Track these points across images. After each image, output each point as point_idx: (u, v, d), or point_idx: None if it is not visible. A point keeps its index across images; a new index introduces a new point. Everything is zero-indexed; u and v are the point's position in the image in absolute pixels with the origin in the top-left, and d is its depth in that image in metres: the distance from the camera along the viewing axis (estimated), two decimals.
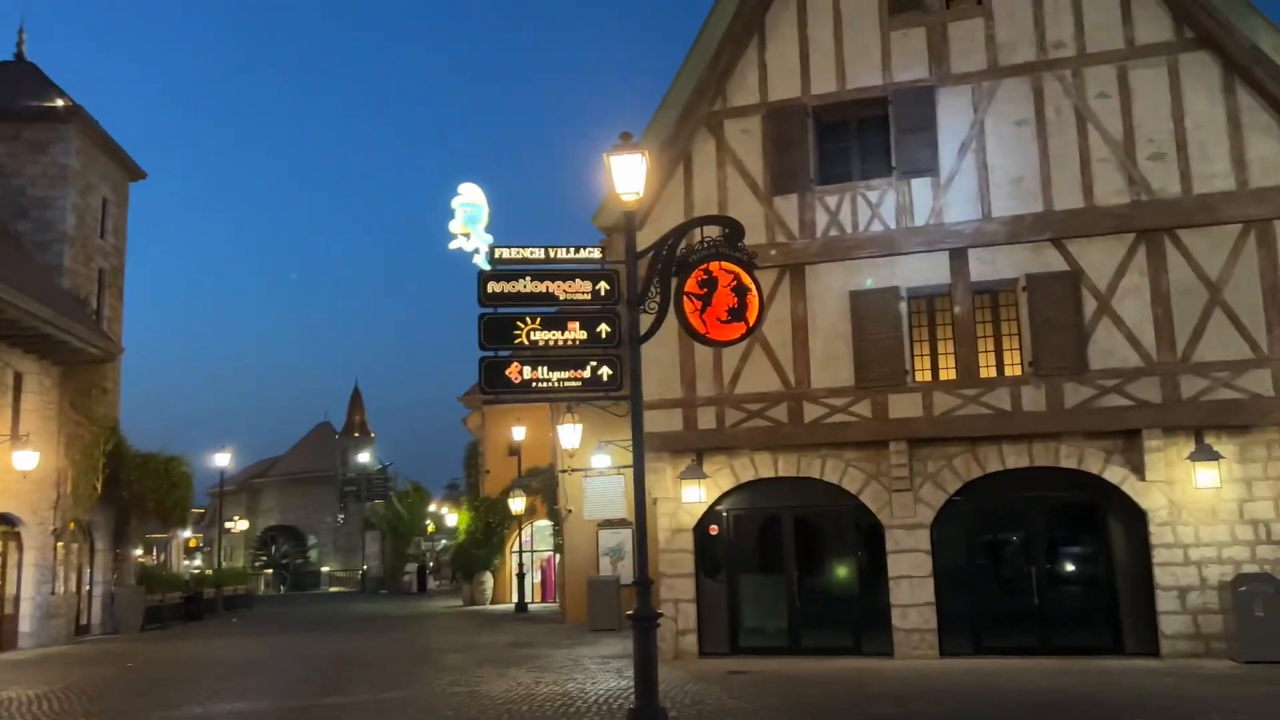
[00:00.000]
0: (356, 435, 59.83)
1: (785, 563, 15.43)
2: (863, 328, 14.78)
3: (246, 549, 58.15)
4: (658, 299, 9.35)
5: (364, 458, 57.11)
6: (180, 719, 11.28)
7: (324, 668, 15.85)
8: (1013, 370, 14.44)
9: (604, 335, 9.28)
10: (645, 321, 9.39)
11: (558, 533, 30.22)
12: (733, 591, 15.57)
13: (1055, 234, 14.20)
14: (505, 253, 9.26)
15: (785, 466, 15.21)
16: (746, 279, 9.34)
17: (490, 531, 33.67)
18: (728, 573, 15.62)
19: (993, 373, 14.51)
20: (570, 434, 18.05)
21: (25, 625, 21.12)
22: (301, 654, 18.46)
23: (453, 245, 9.18)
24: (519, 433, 30.82)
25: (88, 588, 24.43)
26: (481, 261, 9.19)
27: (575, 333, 9.26)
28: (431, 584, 50.79)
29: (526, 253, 9.29)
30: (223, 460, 34.49)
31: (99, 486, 23.81)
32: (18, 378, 20.95)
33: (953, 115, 14.79)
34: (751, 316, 9.35)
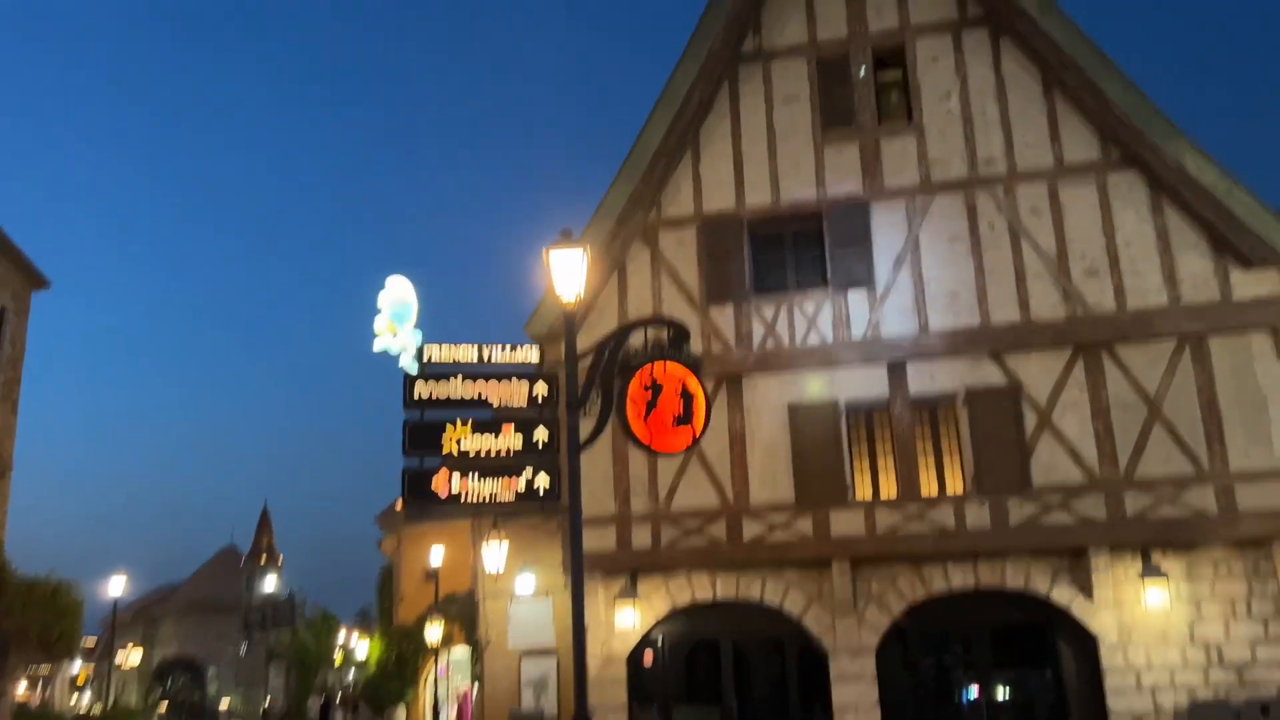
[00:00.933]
0: (263, 560, 57.15)
1: (724, 694, 14.52)
2: (802, 441, 14.33)
3: (140, 683, 54.32)
4: (599, 404, 8.74)
5: (271, 584, 54.33)
6: None
7: None
8: (955, 486, 14.06)
9: (541, 442, 8.58)
10: (585, 428, 8.75)
11: (477, 662, 28.60)
12: None
13: (993, 348, 14.07)
14: (435, 352, 8.58)
15: (724, 588, 14.48)
16: (693, 384, 8.80)
17: (403, 662, 31.78)
18: (662, 705, 14.65)
19: (935, 489, 14.11)
20: (495, 554, 17.07)
21: None
22: None
23: (378, 344, 8.50)
24: (437, 555, 29.43)
25: None
26: (408, 361, 8.50)
27: (509, 439, 8.54)
28: (337, 719, 47.76)
29: (458, 352, 8.62)
30: (116, 587, 32.16)
31: None
32: None
33: (887, 229, 14.75)
34: (698, 423, 8.77)
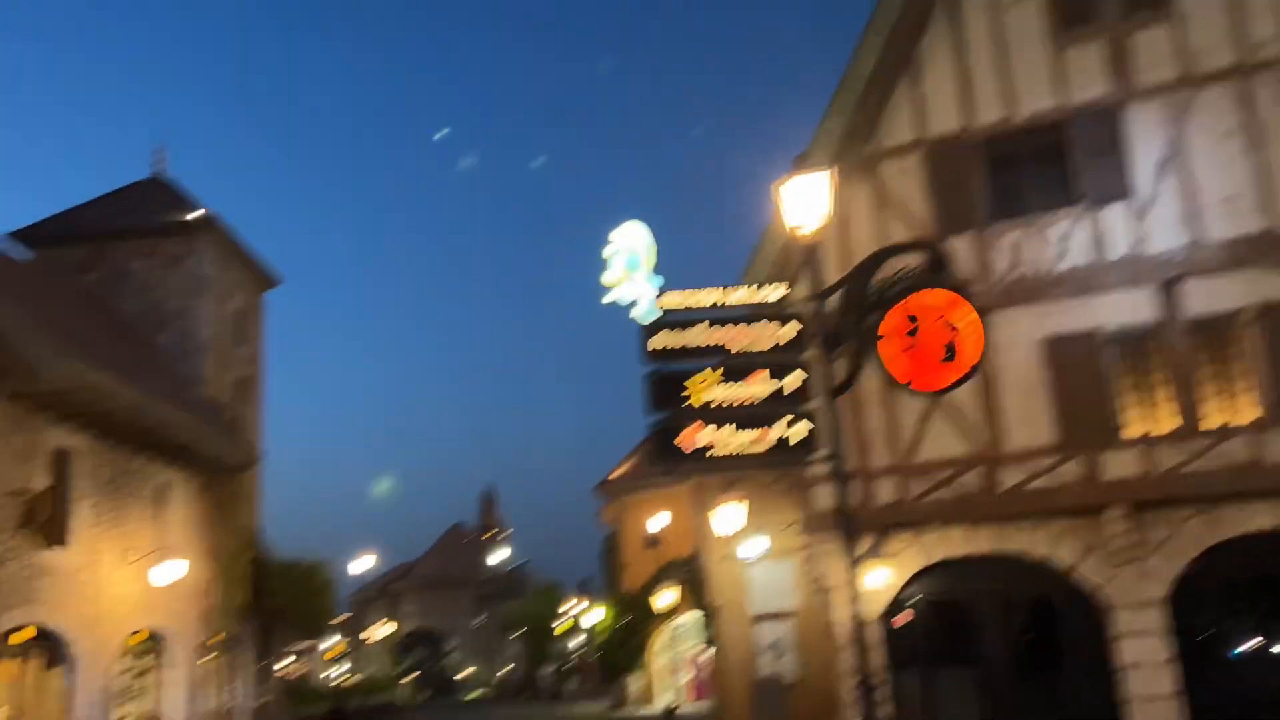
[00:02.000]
0: (490, 535, 59.37)
1: (990, 654, 13.45)
2: (1062, 377, 13.00)
3: (388, 655, 57.63)
4: (853, 343, 7.93)
5: (498, 557, 56.47)
6: None
7: None
8: (1247, 415, 12.39)
9: (794, 388, 7.86)
10: (842, 370, 7.96)
11: (707, 627, 28.41)
12: (928, 690, 13.64)
13: None
14: (671, 299, 7.98)
15: (982, 542, 13.36)
16: (959, 312, 7.85)
17: (633, 629, 32.02)
18: (922, 669, 13.71)
19: (1223, 420, 12.48)
20: (731, 516, 16.46)
21: None
22: None
23: (609, 297, 7.97)
24: (659, 522, 29.37)
25: (235, 702, 23.71)
26: (645, 311, 7.94)
27: (759, 387, 7.85)
28: (573, 685, 49.05)
29: (696, 297, 7.99)
30: (364, 565, 33.98)
31: (244, 597, 23.25)
32: (161, 488, 20.65)
33: (1144, 133, 13.12)
34: (967, 356, 7.83)
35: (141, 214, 24.60)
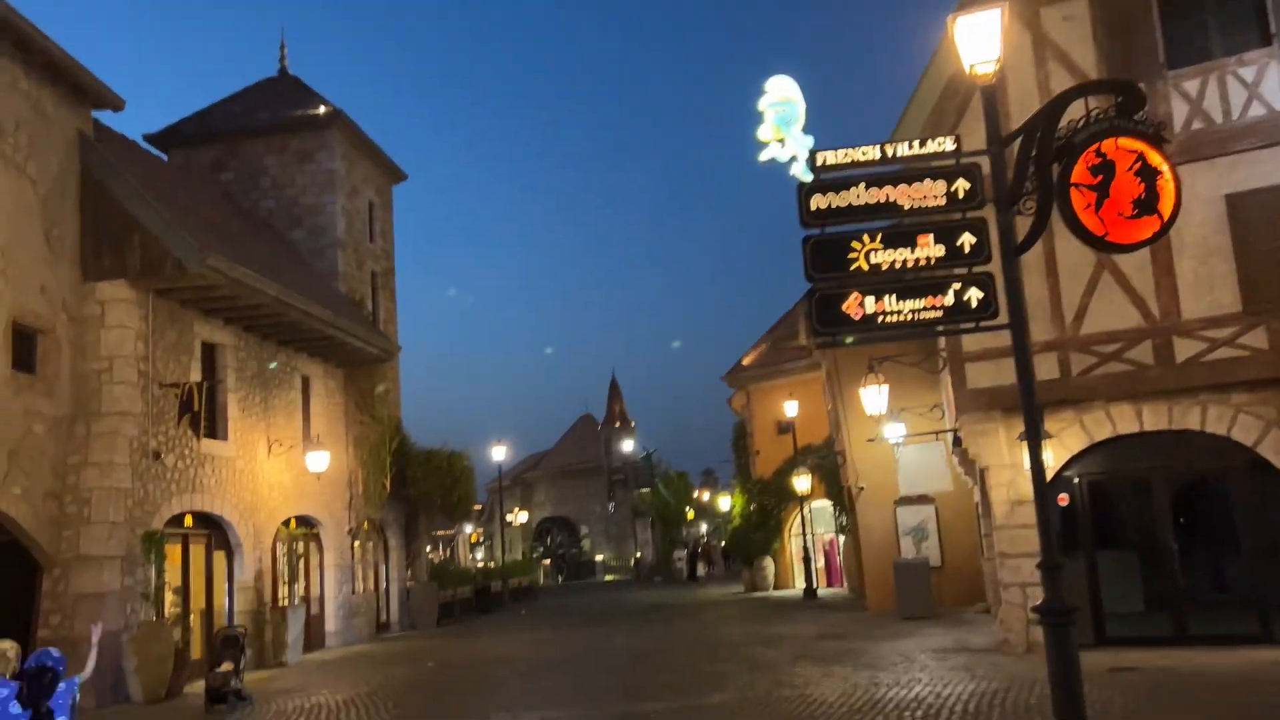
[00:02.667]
0: (618, 425, 60.05)
1: (1160, 535, 12.73)
2: (1247, 239, 11.87)
3: (524, 541, 59.59)
4: (1034, 196, 7.19)
5: (627, 446, 57.21)
6: None
7: (625, 667, 14.63)
8: None
9: (967, 249, 7.21)
10: (1021, 227, 7.26)
11: (840, 513, 28.12)
12: (1092, 572, 13.02)
13: None
14: (830, 156, 7.36)
15: (1152, 418, 12.51)
16: (1155, 157, 7.03)
17: (766, 515, 31.99)
18: (1085, 550, 13.09)
19: None
20: (875, 397, 15.87)
21: (331, 624, 21.41)
22: (597, 650, 17.42)
23: (764, 156, 7.38)
24: (790, 408, 28.92)
25: (384, 585, 24.74)
26: (801, 170, 7.35)
27: (929, 249, 7.24)
28: (700, 570, 49.87)
29: (857, 154, 7.35)
30: (499, 454, 34.76)
31: (388, 485, 23.97)
32: (305, 381, 21.21)
33: None
34: (1166, 207, 7.02)
35: (271, 110, 24.79)
